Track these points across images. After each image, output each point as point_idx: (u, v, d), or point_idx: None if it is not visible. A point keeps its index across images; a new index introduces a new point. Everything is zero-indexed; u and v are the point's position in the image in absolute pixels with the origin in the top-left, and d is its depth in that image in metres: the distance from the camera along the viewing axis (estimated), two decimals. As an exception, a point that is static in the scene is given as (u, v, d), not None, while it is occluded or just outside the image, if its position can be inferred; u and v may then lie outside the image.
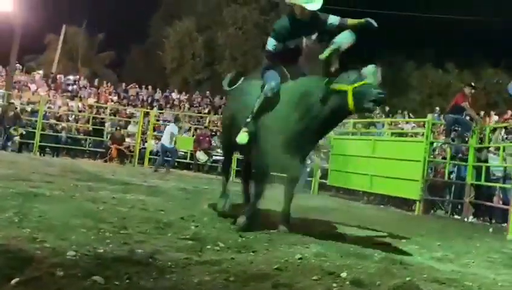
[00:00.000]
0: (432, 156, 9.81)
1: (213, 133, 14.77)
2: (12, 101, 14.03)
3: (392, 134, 11.21)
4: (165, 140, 12.11)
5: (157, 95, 22.71)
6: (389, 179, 8.90)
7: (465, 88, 9.16)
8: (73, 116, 15.85)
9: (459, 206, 9.03)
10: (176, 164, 13.19)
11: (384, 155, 9.22)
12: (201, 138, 13.55)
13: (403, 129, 14.61)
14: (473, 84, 9.71)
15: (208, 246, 3.07)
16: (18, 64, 19.46)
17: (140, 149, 14.02)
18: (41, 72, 22.63)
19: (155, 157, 14.12)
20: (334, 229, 4.59)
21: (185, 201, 5.55)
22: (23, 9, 15.19)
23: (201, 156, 11.52)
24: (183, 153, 13.80)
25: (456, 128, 9.15)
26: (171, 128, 12.21)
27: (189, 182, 9.16)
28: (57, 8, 23.61)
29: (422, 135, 9.34)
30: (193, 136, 14.55)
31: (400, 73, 26.41)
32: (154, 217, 3.89)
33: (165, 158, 12.43)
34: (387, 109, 19.51)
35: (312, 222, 5.02)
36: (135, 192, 5.82)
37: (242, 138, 4.06)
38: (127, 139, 14.46)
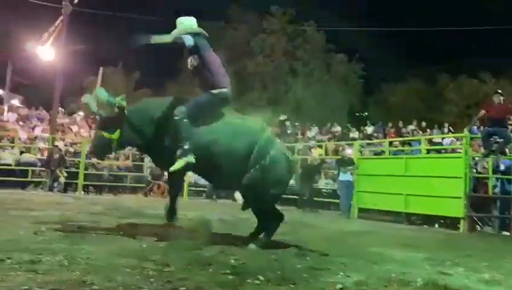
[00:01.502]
0: (474, 171, 9.53)
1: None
2: (56, 144, 14.71)
3: (428, 151, 10.96)
4: None
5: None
6: (428, 197, 8.70)
7: (493, 97, 8.98)
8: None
9: (507, 221, 8.68)
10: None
11: (419, 173, 9.03)
12: None
13: (442, 145, 14.27)
14: (499, 91, 9.48)
15: (248, 280, 3.10)
16: (60, 108, 20.43)
17: (179, 182, 14.31)
18: (81, 113, 23.60)
19: (194, 189, 14.45)
20: (375, 255, 4.53)
21: (223, 234, 5.62)
22: (64, 58, 16.11)
23: (238, 196, 11.70)
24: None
25: (498, 140, 8.89)
26: None
27: (227, 212, 9.23)
28: (94, 54, 24.81)
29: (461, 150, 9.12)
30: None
31: (434, 86, 25.96)
32: (195, 252, 3.98)
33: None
34: (423, 124, 19.15)
35: (352, 247, 4.99)
36: (176, 226, 5.93)
37: None
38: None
